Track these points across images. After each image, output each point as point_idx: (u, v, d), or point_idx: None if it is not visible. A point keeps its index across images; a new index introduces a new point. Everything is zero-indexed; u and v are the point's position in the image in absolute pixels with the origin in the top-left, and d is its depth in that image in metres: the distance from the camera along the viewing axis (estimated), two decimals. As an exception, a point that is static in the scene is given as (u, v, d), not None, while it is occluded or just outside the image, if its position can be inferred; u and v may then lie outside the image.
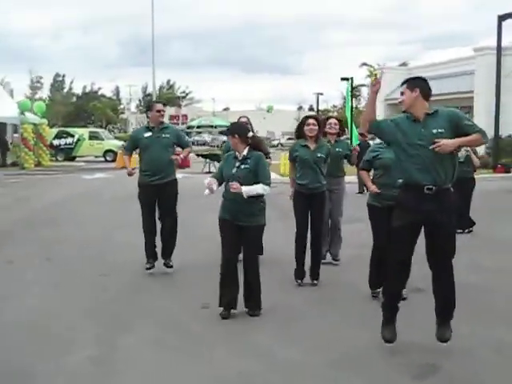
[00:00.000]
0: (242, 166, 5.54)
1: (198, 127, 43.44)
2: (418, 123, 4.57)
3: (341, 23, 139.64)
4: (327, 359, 4.60)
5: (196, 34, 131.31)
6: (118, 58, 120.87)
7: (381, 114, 35.89)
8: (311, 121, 6.75)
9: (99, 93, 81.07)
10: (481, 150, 25.58)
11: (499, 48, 22.55)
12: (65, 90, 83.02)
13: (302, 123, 6.84)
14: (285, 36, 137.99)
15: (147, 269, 7.23)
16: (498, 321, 5.52)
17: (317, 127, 6.73)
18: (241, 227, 5.57)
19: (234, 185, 5.37)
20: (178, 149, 7.53)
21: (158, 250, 7.38)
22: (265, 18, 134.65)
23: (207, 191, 5.61)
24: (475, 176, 10.59)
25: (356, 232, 8.78)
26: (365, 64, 45.29)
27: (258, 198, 5.58)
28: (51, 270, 7.53)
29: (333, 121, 7.64)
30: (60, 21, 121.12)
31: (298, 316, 5.73)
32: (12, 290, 6.59)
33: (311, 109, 71.52)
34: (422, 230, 4.66)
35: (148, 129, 7.25)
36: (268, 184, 5.55)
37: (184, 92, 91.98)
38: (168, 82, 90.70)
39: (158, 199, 7.22)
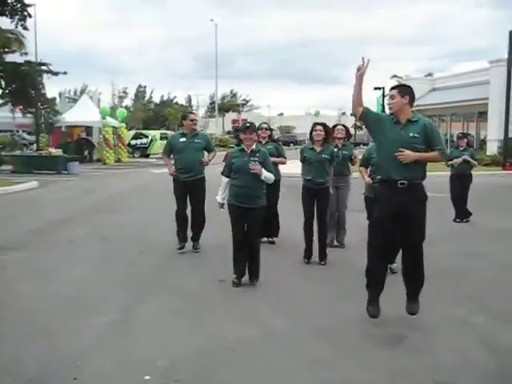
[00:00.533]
0: (252, 158, 5.66)
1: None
2: (398, 125, 4.45)
3: (380, 40, 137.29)
4: (312, 329, 4.54)
5: (256, 50, 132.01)
6: (191, 71, 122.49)
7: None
8: (318, 127, 6.75)
9: (174, 101, 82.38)
10: (493, 149, 24.94)
11: (510, 60, 21.55)
12: (146, 99, 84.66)
13: (312, 129, 6.80)
14: (331, 51, 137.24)
15: (178, 249, 7.32)
16: (465, 301, 5.32)
17: (323, 133, 6.71)
18: (246, 209, 5.64)
19: (257, 166, 5.55)
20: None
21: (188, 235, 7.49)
22: (315, 35, 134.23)
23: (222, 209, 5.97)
24: (486, 173, 10.51)
25: (361, 220, 8.61)
26: (395, 76, 44.43)
27: (262, 184, 5.73)
28: (101, 248, 7.71)
29: (340, 127, 7.67)
30: (143, 40, 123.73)
31: (299, 291, 5.67)
32: (65, 262, 6.81)
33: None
34: None
35: (183, 135, 7.36)
36: (273, 173, 5.85)
37: (244, 100, 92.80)
38: (231, 91, 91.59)
39: (189, 192, 7.32)
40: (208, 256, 7.19)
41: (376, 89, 37.58)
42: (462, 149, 9.92)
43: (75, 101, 35.83)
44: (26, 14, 21.53)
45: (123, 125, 31.00)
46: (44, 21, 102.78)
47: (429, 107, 32.67)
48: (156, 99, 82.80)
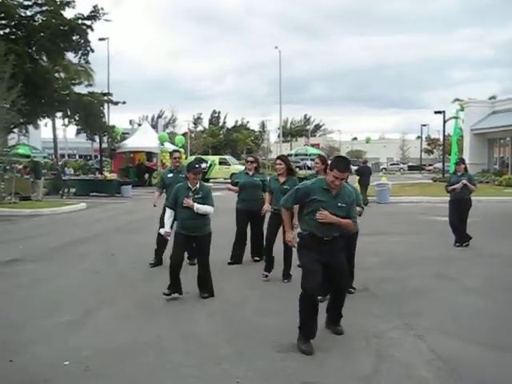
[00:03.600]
0: (196, 196, 6.37)
1: (296, 155, 48.52)
2: (329, 192, 4.97)
3: (459, 62, 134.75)
4: (228, 335, 5.19)
5: (331, 75, 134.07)
6: (265, 96, 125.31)
7: (467, 142, 34.30)
8: (278, 161, 7.52)
9: (248, 126, 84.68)
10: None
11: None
12: (220, 124, 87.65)
13: (274, 163, 7.49)
14: (406, 75, 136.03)
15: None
16: (395, 318, 5.70)
17: (283, 165, 7.41)
18: (193, 237, 6.42)
19: (190, 202, 6.28)
20: None
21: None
22: (390, 59, 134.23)
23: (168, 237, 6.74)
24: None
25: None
26: (457, 99, 43.74)
27: (206, 215, 6.44)
28: (103, 262, 8.73)
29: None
30: (220, 67, 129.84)
31: (245, 304, 6.29)
32: (65, 273, 7.83)
33: (429, 138, 69.50)
34: None
35: (170, 171, 8.52)
36: (213, 206, 6.46)
37: (317, 125, 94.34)
38: (305, 116, 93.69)
39: None
40: (188, 271, 7.92)
41: (436, 113, 37.13)
42: (459, 174, 10.13)
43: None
44: (88, 49, 23.63)
45: (182, 150, 32.68)
46: (123, 51, 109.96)
47: (488, 130, 31.93)
48: (230, 124, 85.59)
